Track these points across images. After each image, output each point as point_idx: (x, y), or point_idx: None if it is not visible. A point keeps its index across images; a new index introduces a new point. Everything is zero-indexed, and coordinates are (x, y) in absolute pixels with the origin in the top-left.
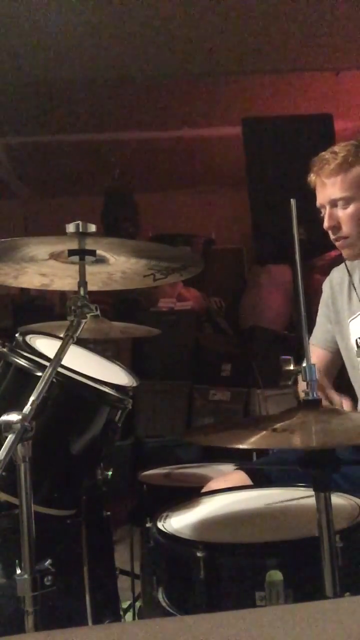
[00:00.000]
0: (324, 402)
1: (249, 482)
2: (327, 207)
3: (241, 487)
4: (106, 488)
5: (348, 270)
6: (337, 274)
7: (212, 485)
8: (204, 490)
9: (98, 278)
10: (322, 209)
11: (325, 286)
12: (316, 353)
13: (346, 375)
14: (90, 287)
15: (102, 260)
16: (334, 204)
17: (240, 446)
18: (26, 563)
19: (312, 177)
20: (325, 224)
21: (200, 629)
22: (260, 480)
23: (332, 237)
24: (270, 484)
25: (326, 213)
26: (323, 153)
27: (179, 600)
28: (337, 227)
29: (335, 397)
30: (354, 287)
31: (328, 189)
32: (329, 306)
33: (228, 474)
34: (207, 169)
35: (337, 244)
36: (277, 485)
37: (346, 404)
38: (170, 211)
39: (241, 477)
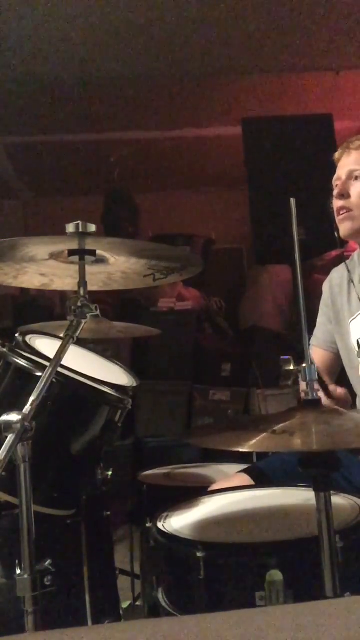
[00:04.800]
0: (324, 401)
1: (251, 484)
2: (344, 178)
3: (241, 487)
4: (106, 488)
5: (348, 269)
6: (337, 275)
7: (215, 488)
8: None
9: (98, 278)
10: (337, 181)
11: (325, 287)
12: (318, 354)
13: (346, 377)
14: (90, 287)
15: (102, 260)
16: (351, 175)
17: (240, 449)
18: (26, 563)
19: (339, 152)
20: (335, 192)
21: (200, 629)
22: (264, 481)
23: (338, 205)
24: (272, 485)
25: (340, 182)
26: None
27: (179, 600)
28: (345, 196)
29: (332, 388)
30: (354, 285)
31: (351, 159)
32: (328, 306)
33: (231, 477)
34: (207, 169)
35: (339, 217)
36: (277, 486)
37: (340, 390)
38: (170, 211)
39: (244, 481)
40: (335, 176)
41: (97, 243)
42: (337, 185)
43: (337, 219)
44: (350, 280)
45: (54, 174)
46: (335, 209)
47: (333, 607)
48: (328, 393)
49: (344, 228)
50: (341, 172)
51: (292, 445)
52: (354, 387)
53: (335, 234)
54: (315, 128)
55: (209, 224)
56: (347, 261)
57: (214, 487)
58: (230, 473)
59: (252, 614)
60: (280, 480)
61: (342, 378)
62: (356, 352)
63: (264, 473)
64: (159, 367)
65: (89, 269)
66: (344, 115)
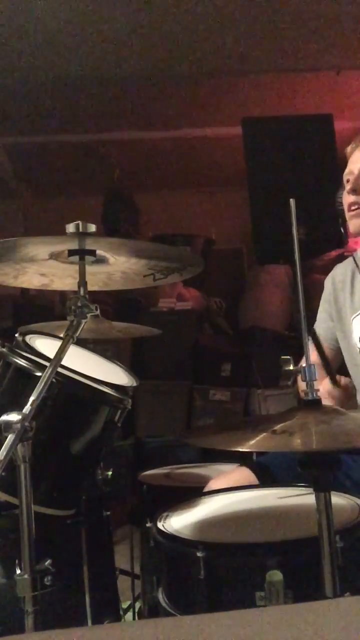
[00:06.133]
0: (329, 388)
1: (252, 478)
2: (356, 172)
3: (241, 487)
4: (106, 488)
5: (356, 263)
6: (340, 271)
7: (216, 482)
8: (207, 487)
9: (98, 278)
10: (349, 177)
11: (328, 282)
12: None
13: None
14: (90, 287)
15: (102, 260)
16: None
17: (240, 449)
18: (26, 563)
19: (351, 147)
20: (348, 187)
21: (200, 629)
22: (263, 476)
23: (350, 200)
24: (272, 480)
25: (353, 177)
26: None
27: (179, 600)
28: (358, 191)
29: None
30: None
31: None
32: (330, 303)
33: (232, 471)
34: (207, 169)
35: (351, 213)
36: (278, 481)
37: (345, 380)
38: (170, 211)
39: (245, 474)
40: (347, 170)
41: (97, 243)
42: (348, 180)
43: (348, 214)
44: (355, 276)
45: (54, 174)
46: (346, 205)
47: (333, 607)
48: (334, 380)
49: (354, 224)
50: (353, 166)
51: (292, 445)
52: (356, 385)
53: (341, 229)
54: (315, 128)
55: (209, 224)
56: (355, 254)
57: (214, 481)
58: None
59: (252, 614)
60: (280, 474)
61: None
62: (358, 349)
63: (264, 466)
64: (159, 367)
65: (89, 269)
66: (344, 115)
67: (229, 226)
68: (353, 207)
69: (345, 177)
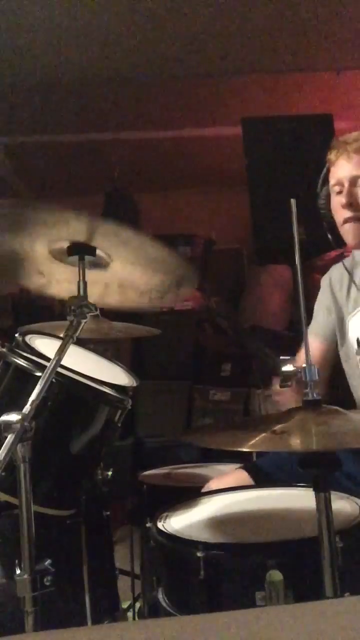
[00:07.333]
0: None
1: (249, 480)
2: (347, 184)
3: (241, 487)
4: (106, 488)
5: (346, 268)
6: (337, 272)
7: (213, 484)
8: (204, 489)
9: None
10: (338, 186)
11: (324, 281)
12: (314, 345)
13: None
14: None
15: (99, 265)
16: (354, 182)
17: (240, 449)
18: (26, 563)
19: (334, 153)
20: (343, 200)
21: (200, 629)
22: (262, 479)
23: (346, 215)
24: (271, 482)
25: (345, 190)
26: (354, 133)
27: (179, 600)
28: (354, 205)
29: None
30: (354, 282)
31: (353, 164)
32: (329, 300)
33: (229, 473)
34: (207, 169)
35: (347, 225)
36: (277, 485)
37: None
38: (170, 211)
39: (242, 476)
40: (335, 180)
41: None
42: (340, 192)
43: (343, 227)
44: (350, 278)
45: (54, 174)
46: (338, 216)
47: (333, 607)
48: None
49: (352, 239)
50: (341, 176)
51: (292, 445)
52: (352, 385)
53: (329, 236)
54: (315, 128)
55: (209, 224)
56: (344, 260)
57: (212, 482)
58: None
59: (252, 614)
60: (278, 477)
61: (339, 377)
62: (355, 350)
63: (262, 470)
64: (159, 367)
65: (89, 274)
66: (344, 115)
67: (229, 226)
68: (349, 222)
69: (332, 186)
